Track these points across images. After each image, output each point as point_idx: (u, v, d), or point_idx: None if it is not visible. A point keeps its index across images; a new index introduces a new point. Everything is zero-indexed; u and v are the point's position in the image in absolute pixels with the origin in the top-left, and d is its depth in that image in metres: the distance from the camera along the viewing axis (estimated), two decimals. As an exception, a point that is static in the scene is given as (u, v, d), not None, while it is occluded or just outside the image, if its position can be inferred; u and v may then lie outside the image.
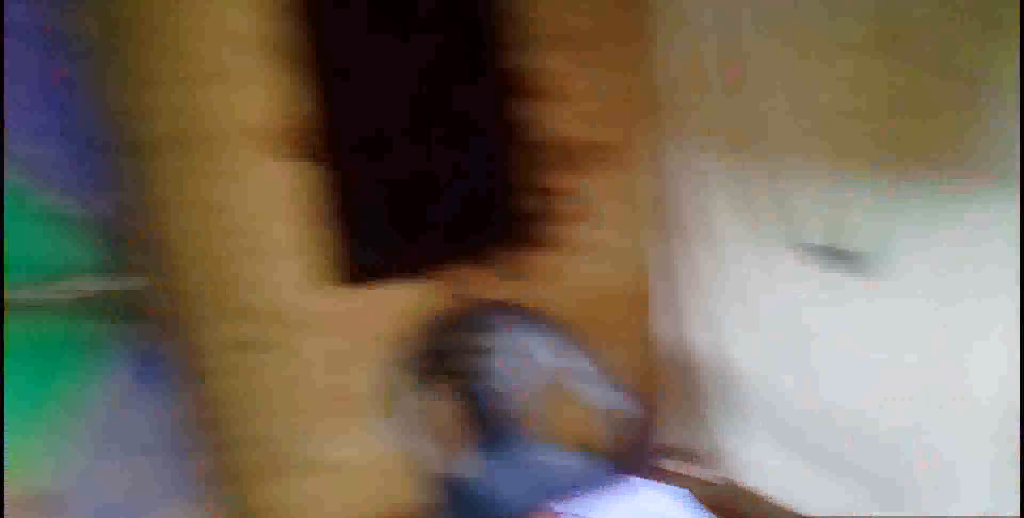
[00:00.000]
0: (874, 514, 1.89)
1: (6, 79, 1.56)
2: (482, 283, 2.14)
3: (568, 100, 2.15)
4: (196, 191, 1.85)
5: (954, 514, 1.70)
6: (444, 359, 2.00)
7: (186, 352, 1.89)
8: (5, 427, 1.64)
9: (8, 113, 1.55)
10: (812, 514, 2.11)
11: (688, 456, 2.44)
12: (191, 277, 1.88)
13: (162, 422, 1.79)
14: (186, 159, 1.82)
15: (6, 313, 1.64)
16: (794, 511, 2.15)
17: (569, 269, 2.25)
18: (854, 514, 1.97)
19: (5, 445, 1.73)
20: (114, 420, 1.75)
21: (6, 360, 1.65)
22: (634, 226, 2.36)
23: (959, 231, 1.78)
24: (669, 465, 2.40)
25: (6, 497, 1.62)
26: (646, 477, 1.73)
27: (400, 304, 2.06)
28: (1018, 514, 0.91)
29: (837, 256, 2.08)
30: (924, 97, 1.76)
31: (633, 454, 1.89)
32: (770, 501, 2.23)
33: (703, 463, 2.43)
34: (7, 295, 1.61)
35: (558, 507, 1.43)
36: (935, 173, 1.80)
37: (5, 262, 1.59)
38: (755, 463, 2.30)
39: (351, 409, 2.07)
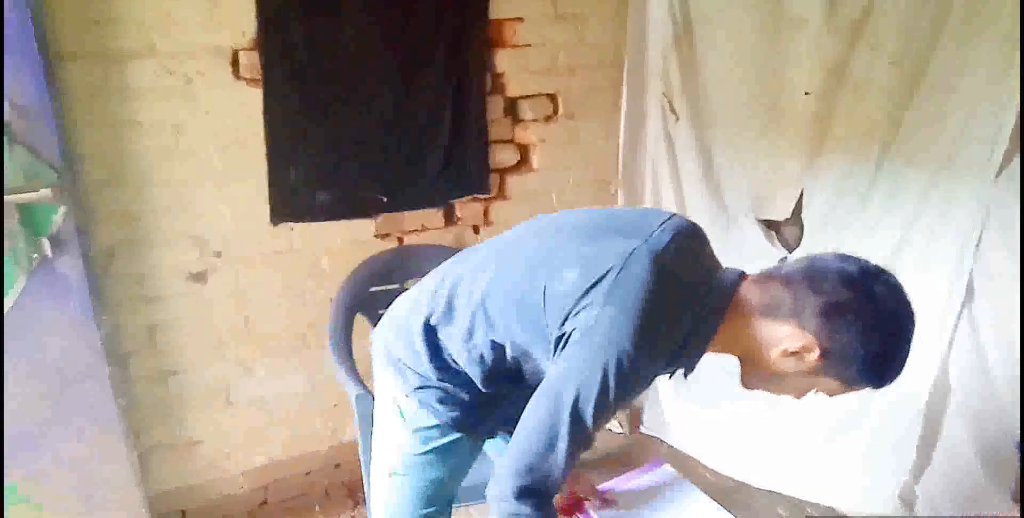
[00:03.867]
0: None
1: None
2: (430, 228, 2.21)
3: (540, 52, 2.19)
4: (150, 109, 1.75)
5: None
6: (379, 300, 2.06)
7: (123, 278, 1.84)
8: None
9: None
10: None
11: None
12: (139, 199, 1.80)
13: (86, 348, 1.76)
14: (143, 75, 1.72)
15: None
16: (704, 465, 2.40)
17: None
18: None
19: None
20: (32, 343, 1.71)
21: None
22: (601, 185, 2.43)
23: (872, 207, 1.99)
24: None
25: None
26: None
27: (342, 243, 2.08)
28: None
29: (765, 226, 2.26)
30: (867, 78, 1.91)
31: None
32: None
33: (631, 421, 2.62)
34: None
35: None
36: (853, 151, 1.98)
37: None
38: (678, 422, 2.51)
39: (285, 345, 2.09)
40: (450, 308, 1.21)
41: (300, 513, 2.22)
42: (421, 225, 2.19)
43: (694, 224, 1.19)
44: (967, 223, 1.79)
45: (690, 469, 2.36)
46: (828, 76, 1.97)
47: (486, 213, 2.28)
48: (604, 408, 1.03)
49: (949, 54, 1.74)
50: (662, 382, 2.51)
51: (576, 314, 1.05)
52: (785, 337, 1.04)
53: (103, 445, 1.85)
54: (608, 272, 1.05)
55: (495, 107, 2.18)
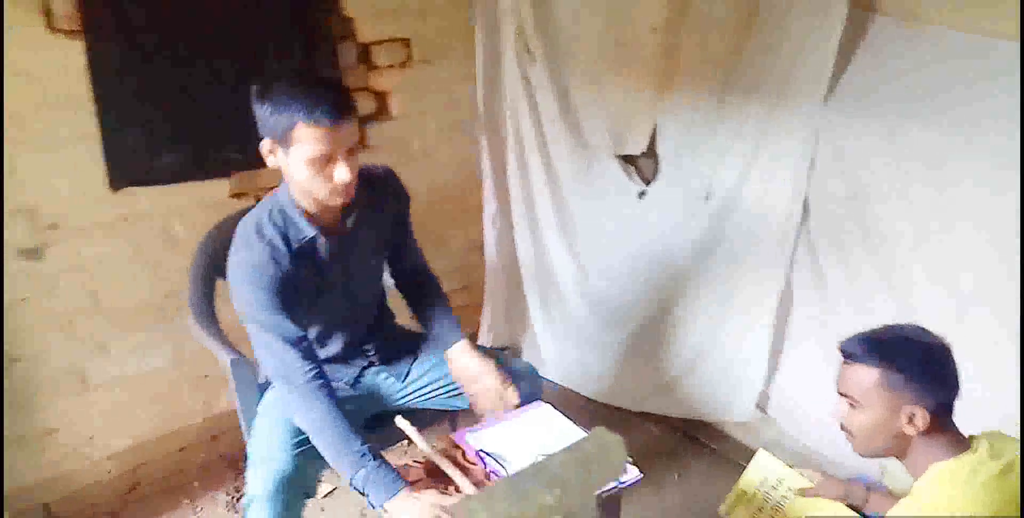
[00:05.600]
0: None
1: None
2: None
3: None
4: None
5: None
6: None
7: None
8: None
9: None
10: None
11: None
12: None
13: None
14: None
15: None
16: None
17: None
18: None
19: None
20: None
21: None
22: (464, 132, 2.44)
23: (719, 137, 2.15)
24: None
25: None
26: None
27: (194, 206, 1.99)
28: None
29: (624, 162, 2.39)
30: (708, 13, 2.04)
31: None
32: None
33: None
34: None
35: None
36: (699, 84, 2.13)
37: None
38: (561, 357, 2.63)
39: (142, 319, 2.00)
40: None
41: (177, 491, 2.18)
42: (280, 181, 2.12)
43: None
44: (801, 147, 1.99)
45: (570, 402, 2.51)
46: (672, 12, 2.08)
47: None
48: (268, 323, 1.40)
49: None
50: (539, 323, 2.64)
51: None
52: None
53: (-56, 444, 1.73)
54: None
55: (347, 54, 2.14)
